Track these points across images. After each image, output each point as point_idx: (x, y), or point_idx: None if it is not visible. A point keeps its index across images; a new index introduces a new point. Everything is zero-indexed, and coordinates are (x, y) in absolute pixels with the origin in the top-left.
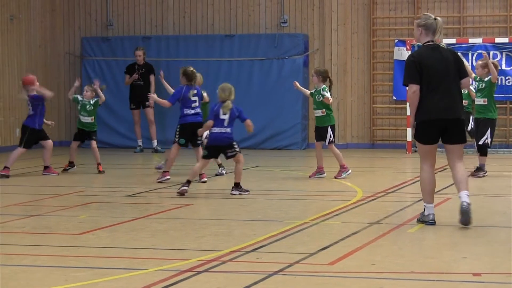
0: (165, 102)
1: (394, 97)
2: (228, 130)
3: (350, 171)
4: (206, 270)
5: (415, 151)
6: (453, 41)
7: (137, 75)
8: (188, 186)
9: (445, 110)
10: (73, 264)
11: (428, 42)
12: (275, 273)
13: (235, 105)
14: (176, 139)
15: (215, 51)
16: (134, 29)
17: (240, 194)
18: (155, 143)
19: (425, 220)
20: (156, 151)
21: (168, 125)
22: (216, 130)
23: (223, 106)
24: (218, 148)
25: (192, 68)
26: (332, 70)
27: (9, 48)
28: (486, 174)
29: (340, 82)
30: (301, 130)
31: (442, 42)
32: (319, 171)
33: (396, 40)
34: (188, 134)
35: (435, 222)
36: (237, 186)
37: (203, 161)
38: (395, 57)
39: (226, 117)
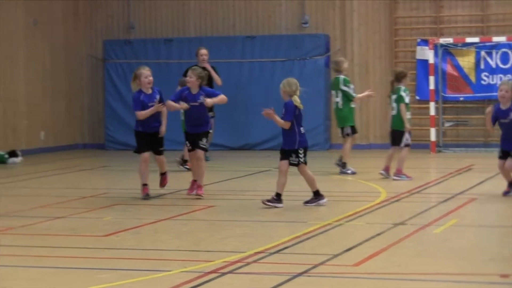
0: (223, 98)
1: (417, 97)
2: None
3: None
4: (230, 272)
5: (439, 151)
6: (476, 40)
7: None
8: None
9: None
10: (98, 265)
11: None
12: (300, 274)
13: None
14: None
15: (237, 52)
16: (156, 32)
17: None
18: None
19: None
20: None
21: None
22: (302, 130)
23: (295, 101)
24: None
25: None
26: (354, 70)
27: (33, 52)
28: None
29: (362, 82)
30: (323, 131)
31: None
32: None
33: (419, 40)
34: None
35: None
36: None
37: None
38: (418, 57)
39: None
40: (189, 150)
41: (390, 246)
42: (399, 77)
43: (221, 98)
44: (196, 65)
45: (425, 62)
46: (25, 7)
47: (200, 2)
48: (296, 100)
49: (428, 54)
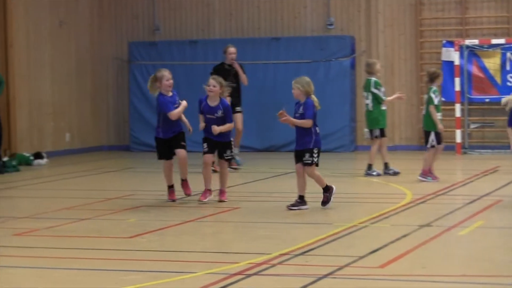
0: (230, 126)
1: (443, 98)
2: None
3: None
4: (255, 273)
5: (465, 153)
6: (502, 41)
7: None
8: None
9: None
10: (123, 267)
11: None
12: (325, 276)
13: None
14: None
15: (262, 54)
16: (181, 33)
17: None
18: (235, 150)
19: None
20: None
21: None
22: (318, 130)
23: (315, 101)
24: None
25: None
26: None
27: (58, 53)
28: None
29: (388, 84)
30: (349, 133)
31: None
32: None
33: (444, 41)
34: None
35: None
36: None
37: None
38: (443, 58)
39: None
40: (205, 153)
41: (415, 248)
42: (432, 78)
43: (229, 126)
44: (223, 63)
45: (450, 63)
46: (51, 8)
47: (225, 3)
48: (315, 99)
49: (453, 56)
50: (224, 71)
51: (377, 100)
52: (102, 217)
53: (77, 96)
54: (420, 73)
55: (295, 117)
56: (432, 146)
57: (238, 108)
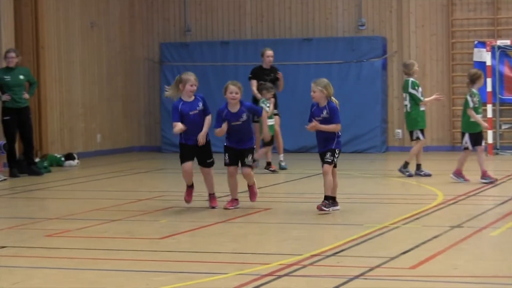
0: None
1: None
2: None
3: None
4: (286, 274)
5: (496, 154)
6: None
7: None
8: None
9: None
10: (154, 268)
11: None
12: (356, 277)
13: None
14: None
15: (293, 55)
16: (212, 34)
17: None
18: (281, 157)
19: None
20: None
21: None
22: (340, 131)
23: (337, 103)
24: None
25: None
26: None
27: (90, 55)
28: None
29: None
30: (380, 134)
31: None
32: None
33: (476, 42)
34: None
35: None
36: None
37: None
38: (475, 59)
39: None
40: (226, 164)
41: (447, 249)
42: (472, 79)
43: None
44: (261, 66)
45: (482, 64)
46: (82, 9)
47: (256, 4)
48: (337, 101)
49: (485, 56)
50: (263, 74)
51: (415, 101)
52: (133, 218)
53: (108, 97)
54: (451, 73)
55: (316, 121)
56: (466, 148)
57: (275, 111)
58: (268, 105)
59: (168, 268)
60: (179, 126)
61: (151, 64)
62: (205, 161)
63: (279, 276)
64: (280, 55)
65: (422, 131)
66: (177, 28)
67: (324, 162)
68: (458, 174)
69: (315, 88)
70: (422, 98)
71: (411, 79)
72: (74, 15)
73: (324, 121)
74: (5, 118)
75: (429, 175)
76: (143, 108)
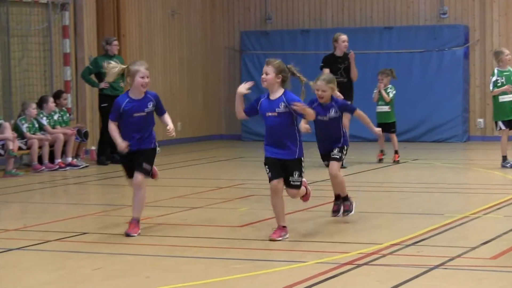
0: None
1: None
2: None
3: None
4: (365, 263)
5: None
6: None
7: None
8: None
9: None
10: (233, 256)
11: None
12: (436, 267)
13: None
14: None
15: (374, 43)
16: (293, 23)
17: None
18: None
19: None
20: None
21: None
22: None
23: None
24: None
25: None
26: (493, 61)
27: (171, 43)
28: None
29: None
30: (461, 123)
31: None
32: None
33: None
34: None
35: None
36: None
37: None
38: None
39: None
40: (270, 179)
41: None
42: None
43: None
44: (333, 54)
45: None
46: None
47: None
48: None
49: None
50: (336, 62)
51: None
52: (213, 205)
53: (188, 85)
54: None
55: (323, 122)
56: None
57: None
58: (388, 91)
59: (247, 256)
60: (125, 144)
61: (232, 53)
62: (141, 164)
63: (359, 265)
64: (361, 43)
65: (505, 122)
66: (257, 16)
67: (331, 159)
68: None
69: (326, 87)
70: (492, 88)
71: (496, 67)
72: (155, 4)
73: (332, 121)
74: (103, 105)
75: None
76: (223, 97)
